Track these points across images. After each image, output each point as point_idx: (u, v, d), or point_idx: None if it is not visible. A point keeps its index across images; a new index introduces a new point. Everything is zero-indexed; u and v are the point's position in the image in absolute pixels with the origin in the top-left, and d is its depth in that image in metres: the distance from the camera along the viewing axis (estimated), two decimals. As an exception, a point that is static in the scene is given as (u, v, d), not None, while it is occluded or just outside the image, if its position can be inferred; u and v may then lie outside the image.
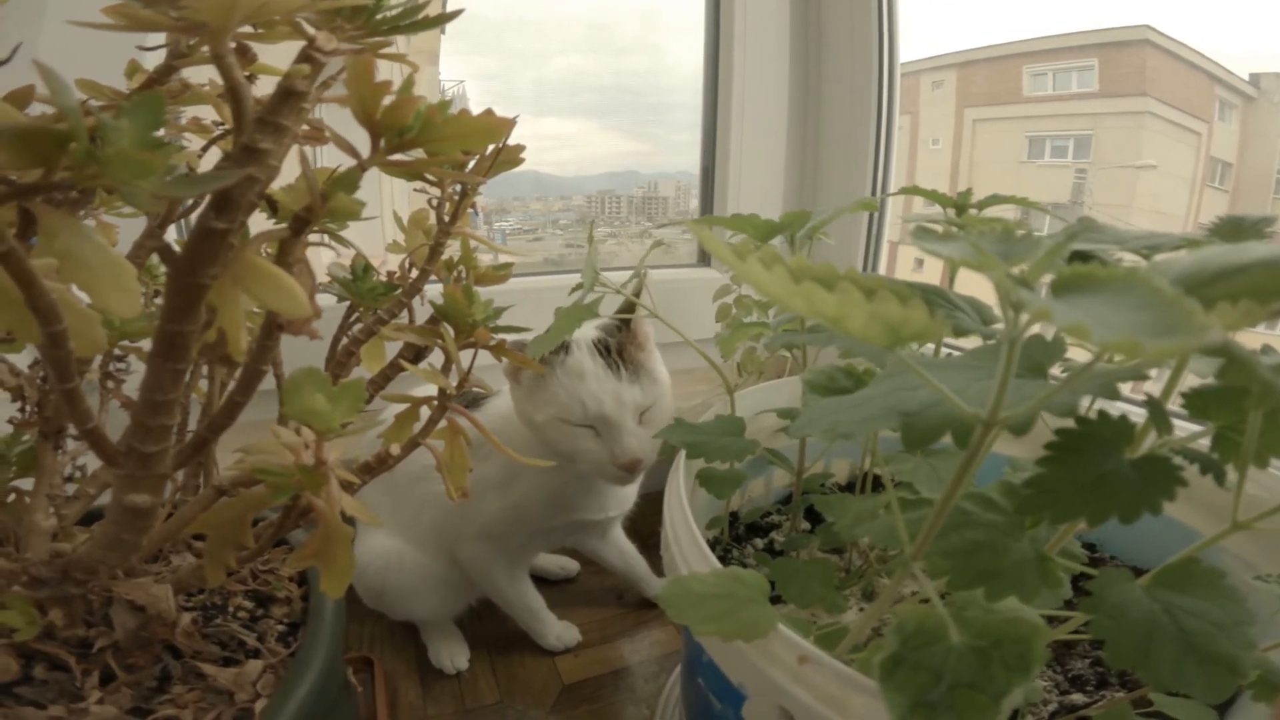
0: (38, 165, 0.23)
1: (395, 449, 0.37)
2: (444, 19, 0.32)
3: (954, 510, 0.29)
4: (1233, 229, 0.30)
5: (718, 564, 0.36)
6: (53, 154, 0.23)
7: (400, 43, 0.33)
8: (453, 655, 0.71)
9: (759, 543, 0.62)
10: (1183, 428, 0.29)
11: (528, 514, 0.64)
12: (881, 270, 1.15)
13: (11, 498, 0.42)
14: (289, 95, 0.27)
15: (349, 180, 0.27)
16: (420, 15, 0.31)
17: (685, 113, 1.27)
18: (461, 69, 1.32)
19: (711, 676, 0.41)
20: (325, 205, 0.26)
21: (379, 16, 0.30)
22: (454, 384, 0.40)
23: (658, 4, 1.41)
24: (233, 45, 0.27)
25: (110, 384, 0.42)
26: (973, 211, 0.47)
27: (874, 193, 1.10)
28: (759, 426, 0.60)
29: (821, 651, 0.31)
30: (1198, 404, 0.24)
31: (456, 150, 0.30)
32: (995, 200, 0.47)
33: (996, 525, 0.28)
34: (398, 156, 0.31)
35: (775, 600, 0.46)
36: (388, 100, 0.29)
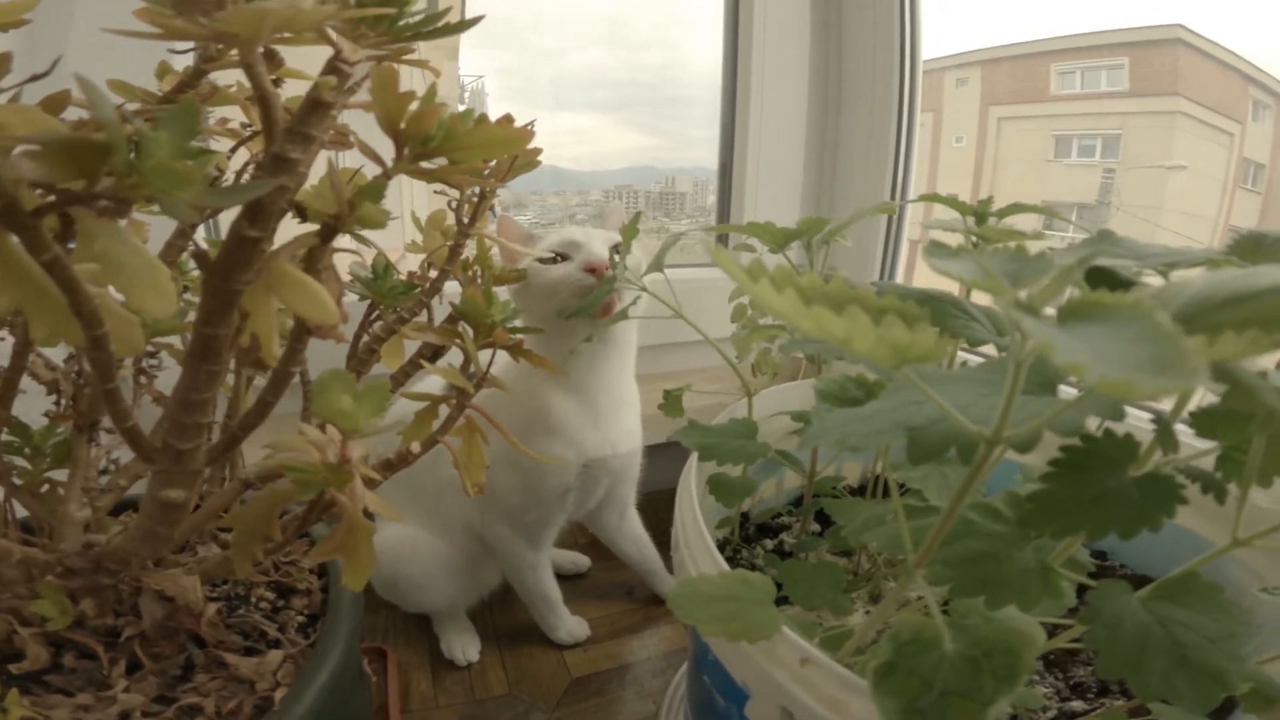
0: (81, 176, 0.24)
1: (415, 446, 0.38)
2: (464, 25, 0.33)
3: (960, 520, 0.29)
4: (1253, 246, 0.30)
5: (726, 566, 0.37)
6: (95, 165, 0.24)
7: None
8: (464, 647, 0.73)
9: (769, 543, 0.62)
10: (1192, 445, 0.29)
11: (541, 467, 0.64)
12: (901, 269, 1.14)
13: (45, 488, 0.43)
14: (317, 106, 0.27)
15: (375, 189, 0.28)
16: (441, 22, 0.31)
17: (703, 108, 1.26)
18: (481, 64, 1.33)
19: (716, 675, 0.42)
20: (352, 214, 0.27)
21: (401, 23, 0.30)
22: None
23: (675, -1, 1.41)
24: (260, 50, 0.28)
25: (143, 379, 0.44)
26: (993, 220, 0.47)
27: (894, 190, 1.09)
28: (772, 428, 0.60)
29: (823, 654, 0.31)
30: (1205, 423, 0.24)
31: (478, 159, 0.31)
32: (1016, 209, 0.47)
33: (1001, 535, 0.29)
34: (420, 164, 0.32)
35: (783, 601, 0.47)
36: (412, 108, 0.30)
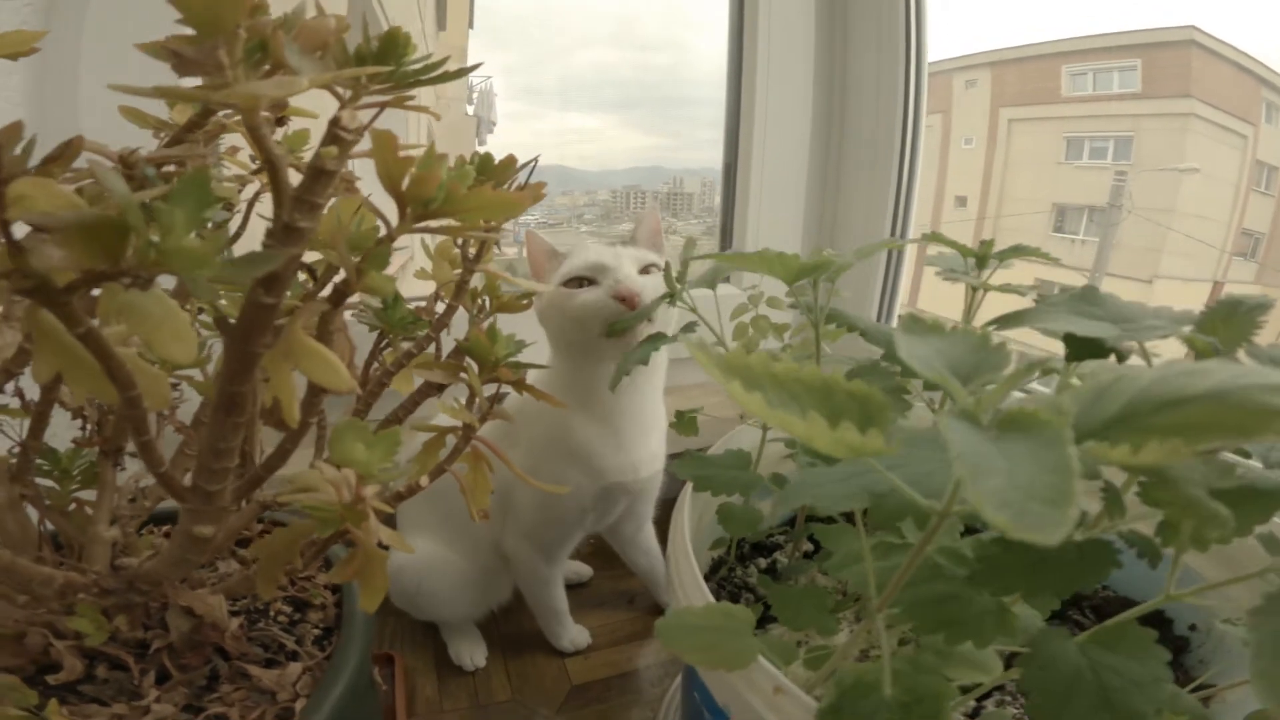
0: (103, 260, 0.25)
1: (424, 480, 0.40)
2: (461, 73, 0.34)
3: (926, 563, 0.31)
4: (1226, 315, 0.31)
5: (711, 599, 0.39)
6: (117, 246, 0.25)
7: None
8: (472, 653, 0.75)
9: (762, 562, 0.64)
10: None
11: (564, 487, 0.65)
12: (904, 287, 1.14)
13: (72, 507, 0.46)
14: (321, 174, 0.29)
15: (380, 257, 0.30)
16: (439, 70, 0.33)
17: (711, 108, 1.26)
18: (488, 64, 1.34)
19: (704, 692, 0.44)
20: (360, 281, 0.29)
21: (400, 71, 0.32)
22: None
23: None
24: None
25: (164, 412, 0.46)
26: (993, 262, 0.47)
27: (899, 192, 1.08)
28: (769, 452, 0.62)
29: (793, 685, 0.34)
30: (1151, 494, 0.26)
31: (479, 220, 0.33)
32: (1017, 251, 0.47)
33: (963, 578, 0.31)
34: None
35: (772, 621, 0.49)
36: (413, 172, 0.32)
